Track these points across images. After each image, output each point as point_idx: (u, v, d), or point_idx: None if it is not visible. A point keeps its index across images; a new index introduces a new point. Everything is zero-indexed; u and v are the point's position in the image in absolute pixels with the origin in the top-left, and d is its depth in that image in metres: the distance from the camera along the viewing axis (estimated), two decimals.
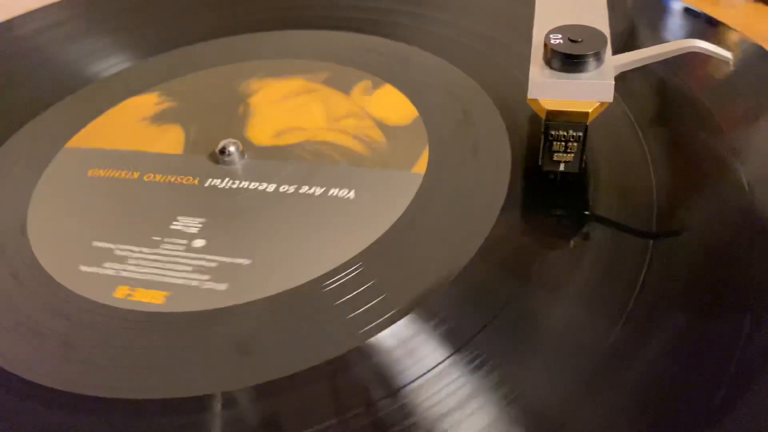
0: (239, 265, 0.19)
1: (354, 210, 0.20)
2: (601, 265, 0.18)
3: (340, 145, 0.23)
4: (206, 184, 0.22)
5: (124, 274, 0.19)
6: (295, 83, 0.26)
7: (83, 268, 0.19)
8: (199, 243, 0.20)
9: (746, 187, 0.19)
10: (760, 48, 0.25)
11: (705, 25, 0.28)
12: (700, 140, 0.22)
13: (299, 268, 0.18)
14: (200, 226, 0.20)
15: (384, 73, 0.26)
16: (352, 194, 0.21)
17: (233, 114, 0.25)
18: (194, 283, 0.18)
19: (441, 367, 0.15)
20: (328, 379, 0.16)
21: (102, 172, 0.23)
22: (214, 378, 0.16)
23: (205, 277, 0.18)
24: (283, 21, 0.30)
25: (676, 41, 0.19)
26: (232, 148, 0.23)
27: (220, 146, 0.23)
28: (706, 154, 0.21)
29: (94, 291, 0.18)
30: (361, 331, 0.16)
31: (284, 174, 0.22)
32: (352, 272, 0.18)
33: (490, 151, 0.22)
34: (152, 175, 0.22)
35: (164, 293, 0.18)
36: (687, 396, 0.14)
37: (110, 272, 0.19)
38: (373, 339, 0.16)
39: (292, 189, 0.21)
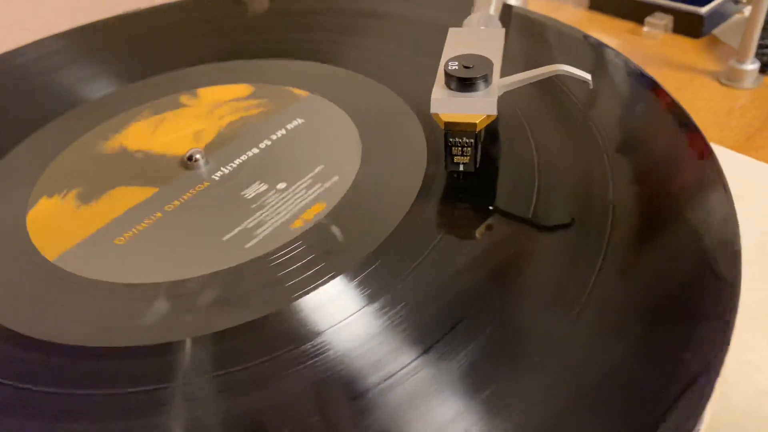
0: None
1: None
2: (485, 248, 0.22)
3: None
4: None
5: None
6: (256, 102, 0.31)
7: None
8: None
9: (608, 168, 0.24)
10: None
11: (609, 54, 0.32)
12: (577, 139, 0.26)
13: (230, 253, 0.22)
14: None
15: (338, 99, 0.30)
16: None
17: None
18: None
19: (359, 314, 0.20)
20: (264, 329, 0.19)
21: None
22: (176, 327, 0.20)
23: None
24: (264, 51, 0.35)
25: (548, 66, 0.23)
26: (198, 156, 0.27)
27: (188, 154, 0.27)
28: (580, 149, 0.25)
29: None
30: (297, 293, 0.20)
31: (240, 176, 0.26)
32: (294, 249, 0.22)
33: (411, 161, 0.26)
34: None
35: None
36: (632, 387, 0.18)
37: None
38: (307, 296, 0.20)
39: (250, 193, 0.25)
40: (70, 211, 0.25)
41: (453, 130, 0.23)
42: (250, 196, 0.25)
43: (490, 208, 0.24)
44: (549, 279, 0.21)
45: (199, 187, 0.26)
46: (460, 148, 0.23)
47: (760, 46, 0.40)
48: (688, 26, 0.45)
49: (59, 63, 0.36)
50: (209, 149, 0.28)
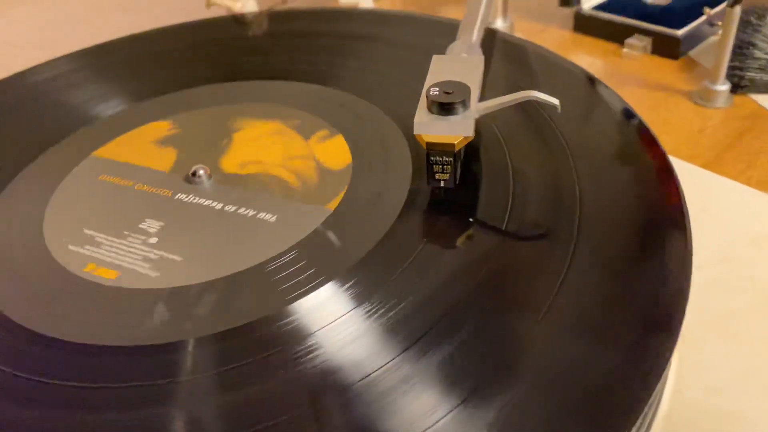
0: (173, 260, 0.25)
1: (271, 229, 0.26)
2: (457, 255, 0.24)
3: (282, 179, 0.29)
4: (175, 197, 0.28)
5: (95, 255, 0.25)
6: (272, 125, 0.33)
7: (71, 247, 0.26)
8: (152, 240, 0.26)
9: (577, 186, 0.26)
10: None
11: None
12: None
13: (217, 267, 0.24)
14: (159, 227, 0.26)
15: (340, 125, 0.32)
16: (274, 218, 0.27)
17: (218, 145, 0.32)
18: (139, 268, 0.25)
19: (348, 315, 0.22)
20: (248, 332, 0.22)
21: (108, 178, 0.30)
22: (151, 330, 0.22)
23: (147, 265, 0.25)
24: (272, 72, 0.37)
25: (520, 92, 0.25)
26: (201, 172, 0.29)
27: (192, 170, 0.29)
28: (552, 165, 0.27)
29: (72, 264, 0.25)
30: (288, 296, 0.23)
31: (232, 196, 0.28)
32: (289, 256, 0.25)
33: (397, 175, 0.28)
34: (141, 185, 0.29)
35: (117, 272, 0.25)
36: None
37: (86, 252, 0.26)
38: (301, 300, 0.23)
39: (232, 209, 0.27)
40: (80, 221, 0.28)
41: (434, 149, 0.25)
42: (247, 212, 0.27)
43: (470, 220, 0.26)
44: (520, 285, 0.23)
45: (201, 201, 0.28)
46: (440, 166, 0.25)
47: (731, 68, 0.42)
48: (666, 48, 0.48)
49: (72, 82, 0.39)
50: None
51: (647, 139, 0.29)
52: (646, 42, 0.48)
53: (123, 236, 0.26)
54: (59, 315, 0.23)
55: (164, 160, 0.31)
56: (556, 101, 0.24)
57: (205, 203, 0.28)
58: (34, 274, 0.25)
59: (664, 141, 0.40)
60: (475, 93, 0.26)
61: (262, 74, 0.37)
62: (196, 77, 0.37)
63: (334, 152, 0.30)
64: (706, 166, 0.37)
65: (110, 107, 0.36)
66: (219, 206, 0.28)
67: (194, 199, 0.28)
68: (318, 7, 0.48)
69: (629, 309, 0.21)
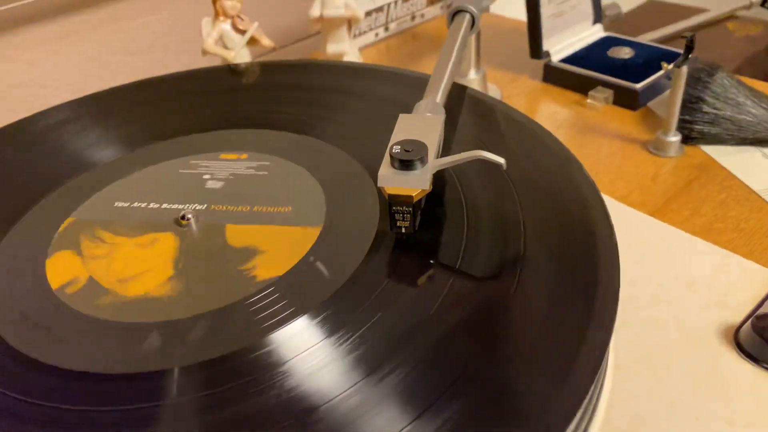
0: (171, 295, 0.28)
1: (261, 262, 0.29)
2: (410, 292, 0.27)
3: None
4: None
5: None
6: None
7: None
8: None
9: (521, 226, 0.29)
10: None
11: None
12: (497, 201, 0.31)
13: (214, 298, 0.28)
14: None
15: (313, 169, 0.36)
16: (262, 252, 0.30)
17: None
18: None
19: (321, 344, 0.25)
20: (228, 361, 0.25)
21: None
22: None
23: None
24: (255, 121, 0.41)
25: (470, 152, 0.28)
26: (190, 216, 0.32)
27: (181, 213, 0.32)
28: (502, 212, 0.31)
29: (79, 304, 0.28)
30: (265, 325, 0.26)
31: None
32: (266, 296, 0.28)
33: (365, 218, 0.31)
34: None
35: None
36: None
37: None
38: (278, 330, 0.26)
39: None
40: (80, 260, 0.31)
41: (395, 200, 0.28)
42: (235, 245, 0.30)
43: (431, 261, 0.29)
44: (471, 316, 0.26)
45: (191, 239, 0.31)
46: (401, 215, 0.29)
47: (682, 121, 0.46)
48: (626, 99, 0.52)
49: (74, 128, 0.42)
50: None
51: (586, 182, 0.32)
52: (607, 94, 0.52)
53: None
54: (71, 347, 0.26)
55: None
56: (501, 160, 0.28)
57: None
58: (44, 314, 0.28)
59: (620, 187, 0.44)
60: (432, 150, 0.29)
61: (241, 123, 0.41)
62: (166, 130, 0.41)
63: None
64: (656, 211, 0.41)
65: (105, 156, 0.39)
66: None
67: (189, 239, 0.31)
68: (302, 60, 0.53)
69: (560, 337, 0.24)
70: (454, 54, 0.41)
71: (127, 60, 0.65)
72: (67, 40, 0.60)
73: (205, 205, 0.34)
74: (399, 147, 0.29)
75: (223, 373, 0.24)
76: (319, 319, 0.26)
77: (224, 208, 0.33)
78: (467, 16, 0.46)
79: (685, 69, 0.43)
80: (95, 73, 0.63)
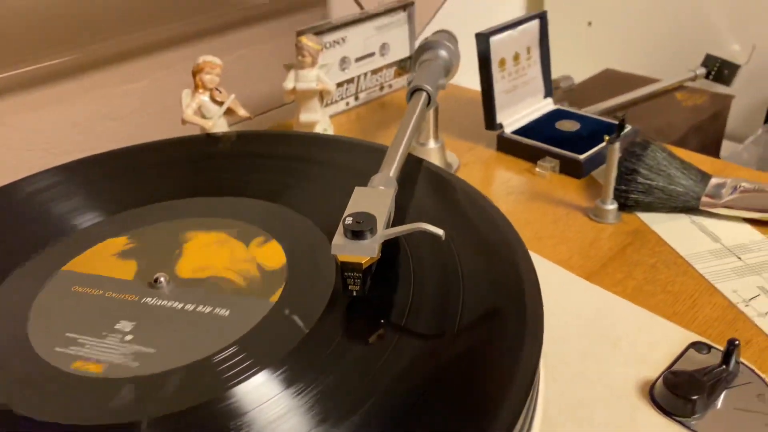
0: (147, 352, 0.31)
1: (225, 323, 0.33)
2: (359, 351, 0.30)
3: (231, 280, 0.36)
4: (142, 301, 0.34)
5: (81, 353, 0.31)
6: (215, 235, 0.40)
7: (57, 349, 0.32)
8: (128, 337, 0.32)
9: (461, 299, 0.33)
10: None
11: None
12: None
13: (183, 355, 0.31)
14: (132, 326, 0.33)
15: (273, 231, 0.39)
16: (227, 313, 0.33)
17: (171, 255, 0.38)
18: (120, 361, 0.31)
19: (278, 396, 0.28)
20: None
21: (80, 289, 0.36)
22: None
23: (129, 358, 0.31)
24: (222, 189, 0.45)
25: (412, 224, 0.32)
26: (162, 279, 0.35)
27: (154, 277, 0.36)
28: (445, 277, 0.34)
29: (61, 363, 0.31)
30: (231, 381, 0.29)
31: (190, 297, 0.34)
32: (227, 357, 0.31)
33: (323, 279, 0.35)
34: (110, 293, 0.35)
35: (102, 365, 0.30)
36: None
37: (71, 352, 0.31)
38: (240, 385, 0.29)
39: (191, 308, 0.34)
40: (61, 327, 0.34)
41: (346, 267, 0.32)
42: (204, 308, 0.34)
43: (381, 321, 0.33)
44: (412, 367, 0.29)
45: (165, 303, 0.34)
46: (352, 280, 0.32)
47: (619, 190, 0.50)
48: (571, 169, 0.56)
49: (55, 194, 0.45)
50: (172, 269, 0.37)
51: (521, 250, 0.36)
52: (554, 163, 0.57)
53: (102, 336, 0.32)
54: (60, 404, 0.29)
55: (127, 270, 0.37)
56: (440, 232, 0.32)
57: (169, 304, 0.34)
58: (32, 375, 0.31)
59: (562, 251, 0.48)
60: (381, 221, 0.33)
61: (211, 191, 0.45)
62: (151, 195, 0.45)
63: (271, 254, 0.38)
64: (594, 274, 0.45)
65: (81, 222, 0.42)
66: (180, 306, 0.34)
67: (159, 302, 0.34)
68: (272, 131, 0.57)
69: (488, 384, 0.28)
70: (409, 130, 0.45)
71: (110, 125, 0.69)
72: (54, 106, 0.64)
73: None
74: (351, 218, 0.33)
75: (193, 424, 0.27)
76: (278, 373, 0.29)
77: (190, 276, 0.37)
78: (424, 95, 0.50)
79: (617, 145, 0.48)
80: (80, 137, 0.67)
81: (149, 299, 0.35)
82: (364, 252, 0.32)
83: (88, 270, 0.38)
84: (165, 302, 0.34)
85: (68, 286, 0.36)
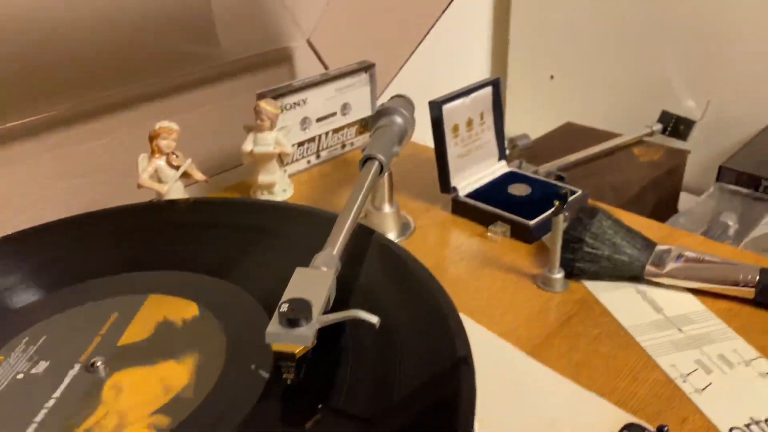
0: None
1: None
2: None
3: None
4: None
5: None
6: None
7: None
8: None
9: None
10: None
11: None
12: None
13: None
14: None
15: (216, 311, 0.40)
16: None
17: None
18: None
19: None
20: None
21: None
22: None
23: None
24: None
25: (348, 311, 0.33)
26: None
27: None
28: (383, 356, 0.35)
29: None
30: None
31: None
32: None
33: (262, 361, 0.35)
34: None
35: None
36: None
37: None
38: None
39: None
40: None
41: (280, 356, 0.32)
42: None
43: (319, 406, 0.33)
44: None
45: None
46: (286, 368, 0.32)
47: (565, 258, 0.51)
48: (521, 233, 0.57)
49: None
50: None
51: (459, 330, 0.37)
52: (505, 228, 0.58)
53: None
54: None
55: None
56: (375, 320, 0.32)
57: None
58: None
59: (508, 320, 0.49)
60: (318, 307, 0.34)
61: (150, 265, 0.45)
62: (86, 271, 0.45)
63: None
64: (538, 345, 0.46)
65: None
66: None
67: None
68: (225, 198, 0.58)
69: None
70: (358, 202, 0.46)
71: (73, 182, 0.69)
72: (17, 165, 0.64)
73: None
74: (287, 305, 0.33)
75: None
76: None
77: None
78: (376, 163, 0.51)
79: (561, 217, 0.49)
80: (42, 195, 0.66)
81: None
82: (299, 341, 0.32)
83: None
84: None
85: None
